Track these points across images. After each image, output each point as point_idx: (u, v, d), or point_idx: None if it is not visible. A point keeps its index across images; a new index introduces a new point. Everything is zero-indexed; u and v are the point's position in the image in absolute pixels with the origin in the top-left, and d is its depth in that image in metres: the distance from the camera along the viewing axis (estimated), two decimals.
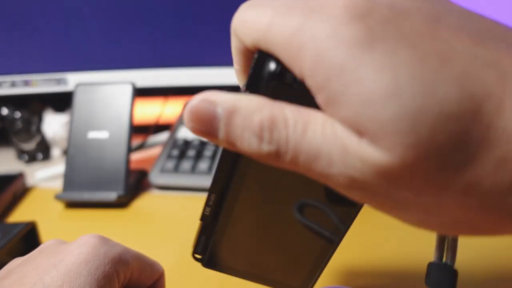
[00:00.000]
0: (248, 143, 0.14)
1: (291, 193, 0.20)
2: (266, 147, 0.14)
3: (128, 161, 0.47)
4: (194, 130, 0.15)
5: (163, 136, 0.65)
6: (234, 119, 0.14)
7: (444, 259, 0.21)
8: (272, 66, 0.14)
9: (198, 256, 0.23)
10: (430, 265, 0.22)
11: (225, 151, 0.19)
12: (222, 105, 0.14)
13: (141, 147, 0.63)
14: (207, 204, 0.21)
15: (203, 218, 0.21)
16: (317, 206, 0.20)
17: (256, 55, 0.15)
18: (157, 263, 0.27)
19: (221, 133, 0.14)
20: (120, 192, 0.45)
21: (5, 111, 0.59)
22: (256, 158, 0.14)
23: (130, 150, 0.47)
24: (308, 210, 0.20)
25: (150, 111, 0.67)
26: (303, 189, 0.20)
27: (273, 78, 0.15)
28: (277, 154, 0.14)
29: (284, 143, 0.13)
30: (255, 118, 0.14)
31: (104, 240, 0.23)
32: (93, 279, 0.21)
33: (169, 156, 0.51)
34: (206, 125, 0.14)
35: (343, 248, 0.35)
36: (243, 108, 0.14)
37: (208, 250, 0.22)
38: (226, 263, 0.23)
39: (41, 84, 0.59)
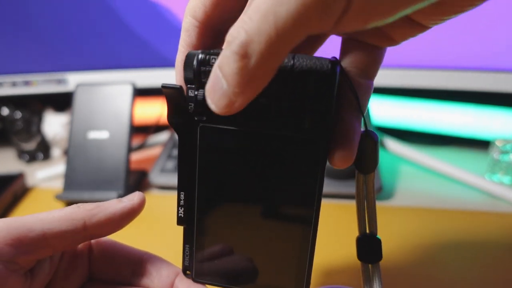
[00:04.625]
0: None
1: (253, 192, 0.19)
2: None
3: (128, 161, 0.47)
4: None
5: (163, 136, 0.65)
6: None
7: (367, 231, 0.22)
8: None
9: (188, 272, 0.22)
10: (357, 239, 0.22)
11: (181, 145, 0.19)
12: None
13: (141, 147, 0.63)
14: (179, 204, 0.20)
15: (179, 221, 0.20)
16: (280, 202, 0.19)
17: None
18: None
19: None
20: (120, 192, 0.45)
21: (5, 111, 0.59)
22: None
23: (130, 150, 0.47)
24: (273, 209, 0.20)
25: (150, 111, 0.67)
26: (263, 188, 0.19)
27: None
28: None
29: None
30: None
31: None
32: None
33: (169, 156, 0.51)
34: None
35: (339, 246, 0.35)
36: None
37: (194, 260, 0.21)
38: (214, 272, 0.22)
39: (41, 84, 0.59)
